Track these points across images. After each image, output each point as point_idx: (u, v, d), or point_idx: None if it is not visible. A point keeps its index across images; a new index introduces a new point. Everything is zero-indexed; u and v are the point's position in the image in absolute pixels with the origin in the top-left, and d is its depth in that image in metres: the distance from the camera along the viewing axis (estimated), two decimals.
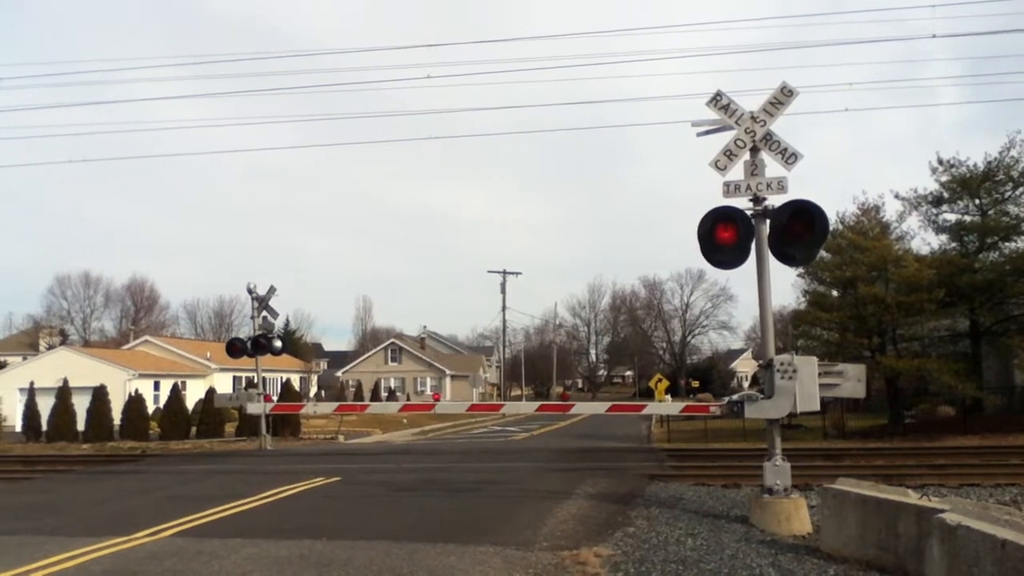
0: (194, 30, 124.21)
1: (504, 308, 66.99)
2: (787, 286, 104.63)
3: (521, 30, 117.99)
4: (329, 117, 69.12)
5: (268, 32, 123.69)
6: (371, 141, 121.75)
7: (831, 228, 24.40)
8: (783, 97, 9.73)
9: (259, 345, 23.92)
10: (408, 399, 66.24)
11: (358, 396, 55.17)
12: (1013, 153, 27.45)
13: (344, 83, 62.14)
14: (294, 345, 68.76)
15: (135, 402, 31.46)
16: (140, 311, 78.25)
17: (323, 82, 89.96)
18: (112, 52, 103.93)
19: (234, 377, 49.66)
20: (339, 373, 74.29)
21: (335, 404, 23.23)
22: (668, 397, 39.08)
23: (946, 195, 29.08)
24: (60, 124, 60.53)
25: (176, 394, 32.05)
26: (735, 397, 10.13)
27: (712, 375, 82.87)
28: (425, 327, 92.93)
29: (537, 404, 19.34)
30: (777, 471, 9.16)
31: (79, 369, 37.36)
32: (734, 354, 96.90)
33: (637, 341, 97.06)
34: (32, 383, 33.30)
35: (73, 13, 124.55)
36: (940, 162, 28.97)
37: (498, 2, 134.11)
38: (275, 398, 31.54)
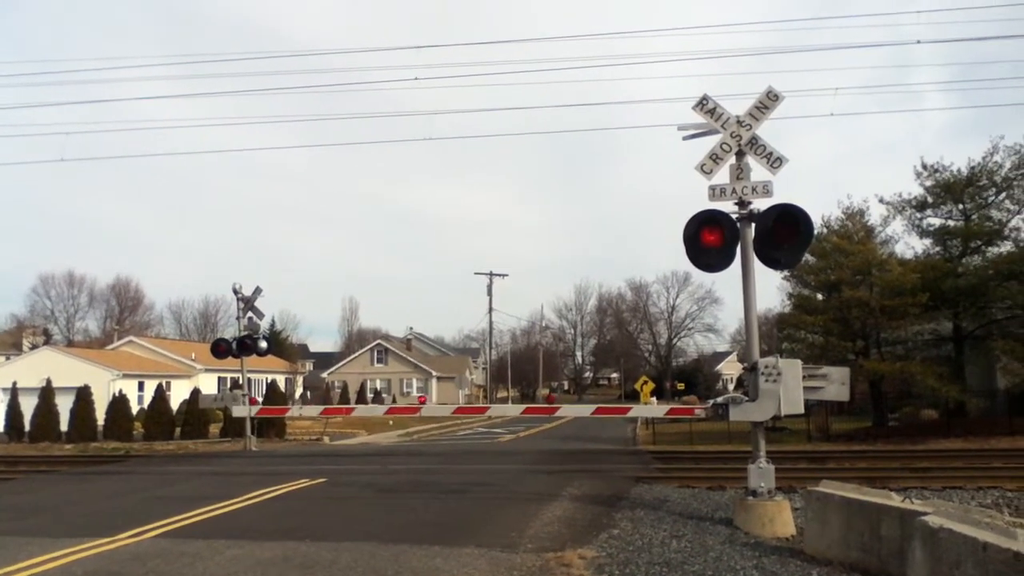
0: (189, 32, 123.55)
1: (491, 310, 67.11)
2: (772, 289, 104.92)
3: (511, 33, 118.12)
4: (317, 118, 68.97)
5: (266, 34, 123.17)
6: (360, 142, 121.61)
7: (816, 232, 24.76)
8: (769, 102, 9.78)
9: (244, 346, 23.83)
10: (394, 400, 66.06)
11: (344, 397, 54.97)
12: (996, 158, 27.81)
13: (333, 84, 61.92)
14: (280, 346, 68.37)
15: (119, 402, 31.24)
16: (124, 311, 77.65)
17: (312, 83, 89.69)
18: (107, 54, 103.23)
19: (219, 378, 49.33)
20: (325, 374, 74.00)
21: (320, 407, 23.15)
22: (653, 399, 39.23)
23: (930, 200, 29.35)
24: (46, 123, 60.07)
25: (160, 394, 31.87)
26: (720, 400, 10.13)
27: (697, 377, 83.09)
28: (411, 328, 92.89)
29: (523, 407, 19.38)
30: (761, 473, 9.20)
31: (62, 369, 36.99)
32: (719, 357, 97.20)
33: (623, 343, 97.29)
34: (15, 383, 32.96)
35: (72, 14, 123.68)
36: (924, 167, 29.28)
37: (491, 5, 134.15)
38: (260, 399, 31.40)
